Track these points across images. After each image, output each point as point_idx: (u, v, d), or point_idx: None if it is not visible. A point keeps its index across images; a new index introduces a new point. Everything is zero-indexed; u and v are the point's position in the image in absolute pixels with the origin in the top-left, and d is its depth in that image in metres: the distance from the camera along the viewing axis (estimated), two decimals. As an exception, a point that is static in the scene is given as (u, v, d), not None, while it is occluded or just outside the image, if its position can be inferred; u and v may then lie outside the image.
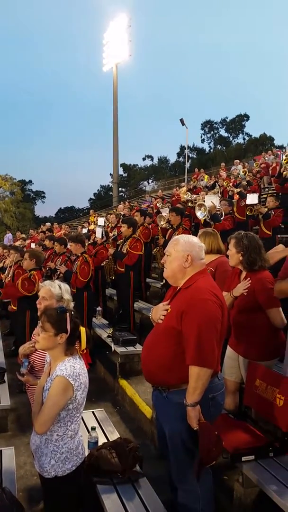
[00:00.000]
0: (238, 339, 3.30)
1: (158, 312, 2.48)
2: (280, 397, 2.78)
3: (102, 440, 3.07)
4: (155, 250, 8.03)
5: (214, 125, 59.58)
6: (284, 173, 8.84)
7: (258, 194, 9.54)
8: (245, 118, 58.00)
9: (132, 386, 4.85)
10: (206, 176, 18.89)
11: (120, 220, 9.25)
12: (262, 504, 2.64)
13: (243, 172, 14.99)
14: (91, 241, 8.18)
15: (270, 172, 15.01)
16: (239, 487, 2.75)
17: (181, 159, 55.44)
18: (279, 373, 3.05)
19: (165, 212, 9.18)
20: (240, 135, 58.20)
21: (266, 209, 7.97)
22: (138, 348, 5.15)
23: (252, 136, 54.70)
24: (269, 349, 3.19)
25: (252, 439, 2.79)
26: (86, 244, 6.72)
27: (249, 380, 3.12)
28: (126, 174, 59.38)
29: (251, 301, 3.16)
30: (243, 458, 2.65)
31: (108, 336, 5.70)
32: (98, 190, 62.20)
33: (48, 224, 19.47)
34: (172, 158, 60.34)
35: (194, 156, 56.76)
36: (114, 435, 3.20)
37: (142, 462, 2.86)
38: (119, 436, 3.19)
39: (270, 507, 2.43)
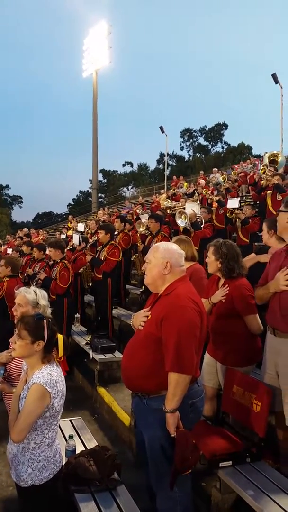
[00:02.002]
0: (216, 346, 3.34)
1: (139, 318, 2.49)
2: (257, 402, 2.82)
3: (79, 448, 3.05)
4: (134, 256, 8.04)
5: (193, 133, 60.40)
6: (262, 182, 9.01)
7: (239, 198, 9.71)
8: (223, 127, 59.04)
9: (110, 394, 4.82)
10: (186, 184, 19.12)
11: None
12: (239, 509, 2.67)
13: (222, 178, 15.20)
14: (69, 247, 8.14)
15: (248, 181, 15.28)
16: (216, 492, 2.77)
17: (160, 166, 55.86)
18: (256, 379, 3.10)
19: (144, 218, 9.21)
20: (219, 144, 59.20)
21: (244, 215, 8.12)
22: (117, 355, 5.13)
23: (231, 145, 55.66)
24: (247, 355, 3.23)
25: (229, 445, 2.81)
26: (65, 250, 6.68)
27: (227, 386, 3.16)
28: (105, 180, 59.37)
29: (229, 308, 3.20)
30: (221, 464, 2.67)
31: (87, 343, 5.66)
32: (77, 195, 61.94)
33: (25, 229, 19.24)
34: (152, 165, 60.84)
35: (174, 164, 57.26)
36: (92, 443, 3.18)
37: (120, 470, 2.85)
38: (97, 444, 3.17)
39: (247, 512, 2.46)
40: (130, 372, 2.44)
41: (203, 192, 13.26)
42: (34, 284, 5.96)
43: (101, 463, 2.76)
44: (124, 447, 3.98)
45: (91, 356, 5.30)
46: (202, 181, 17.30)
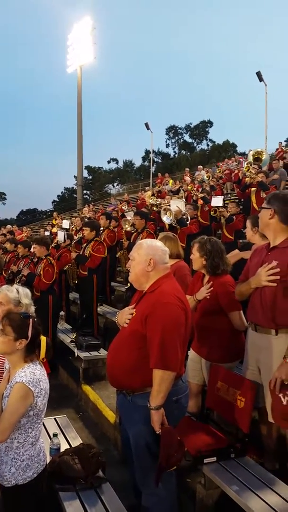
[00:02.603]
0: (201, 342, 3.35)
1: (124, 316, 2.49)
2: (241, 398, 2.83)
3: (64, 446, 3.03)
4: (119, 253, 8.03)
5: (179, 130, 60.47)
6: (246, 179, 9.07)
7: (223, 197, 9.77)
8: (208, 125, 59.23)
9: (95, 392, 4.81)
10: (171, 181, 19.15)
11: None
12: (223, 505, 2.68)
13: (207, 176, 15.26)
14: (53, 244, 8.07)
15: (233, 178, 15.37)
16: (201, 489, 2.79)
17: (146, 163, 55.74)
18: (240, 374, 3.12)
19: (129, 215, 9.21)
20: (204, 141, 59.39)
21: (228, 213, 8.17)
22: (102, 352, 5.12)
23: (216, 143, 55.88)
24: (231, 351, 3.26)
25: (214, 441, 2.83)
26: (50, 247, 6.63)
27: (211, 383, 3.17)
28: (91, 177, 59.01)
29: (213, 305, 3.22)
30: (205, 460, 2.68)
31: (72, 341, 5.63)
32: (62, 192, 61.48)
33: (9, 226, 18.99)
34: (137, 162, 60.65)
35: (159, 161, 57.28)
36: (76, 441, 3.16)
37: (105, 468, 2.84)
38: (81, 442, 3.15)
39: (231, 507, 2.47)
40: (115, 369, 2.44)
41: (189, 188, 13.31)
42: (18, 281, 5.90)
43: (85, 461, 2.74)
44: (109, 444, 3.97)
45: (76, 354, 5.28)
46: (187, 178, 17.34)
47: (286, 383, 2.55)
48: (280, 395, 2.54)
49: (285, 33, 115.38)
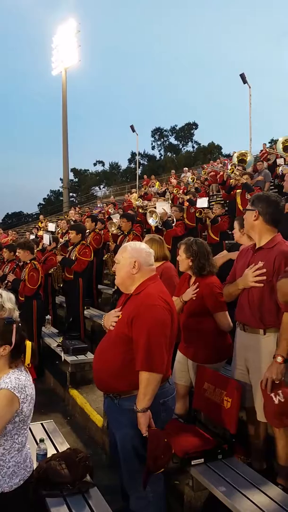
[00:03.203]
0: (187, 343, 3.36)
1: (110, 319, 2.48)
2: (227, 399, 2.85)
3: (51, 451, 2.99)
4: (106, 256, 8.01)
5: (164, 132, 60.61)
6: (231, 181, 9.14)
7: (207, 198, 9.84)
8: (194, 127, 59.50)
9: (83, 396, 4.78)
10: (157, 183, 19.16)
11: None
12: (211, 506, 2.68)
13: (191, 178, 15.34)
14: (40, 247, 8.01)
15: (218, 180, 15.48)
16: (189, 490, 2.79)
17: (132, 165, 55.79)
18: (227, 375, 3.13)
19: (115, 218, 9.19)
20: (190, 143, 59.63)
21: (213, 214, 8.22)
22: (89, 356, 5.09)
23: (201, 145, 56.20)
24: (217, 352, 3.27)
25: (201, 442, 2.83)
26: (35, 250, 6.58)
27: (198, 383, 3.18)
28: (77, 179, 58.79)
29: (199, 306, 3.23)
30: (193, 462, 2.68)
31: (58, 345, 5.58)
32: (48, 195, 61.03)
33: (-6, 230, 18.79)
34: (124, 164, 60.64)
35: (145, 163, 57.36)
36: (64, 446, 3.13)
37: (93, 472, 2.82)
38: (69, 446, 3.13)
39: (220, 509, 2.47)
40: (101, 373, 2.43)
41: (174, 191, 13.35)
42: (4, 286, 5.84)
43: (73, 466, 2.71)
44: (97, 448, 3.95)
45: (62, 358, 5.24)
46: (173, 180, 17.38)
47: (277, 382, 2.58)
48: (272, 394, 2.57)
49: (269, 35, 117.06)
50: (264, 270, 2.70)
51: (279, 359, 2.57)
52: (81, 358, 5.10)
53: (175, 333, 2.47)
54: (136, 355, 2.26)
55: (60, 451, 3.01)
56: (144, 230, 8.99)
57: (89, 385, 4.96)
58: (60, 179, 45.46)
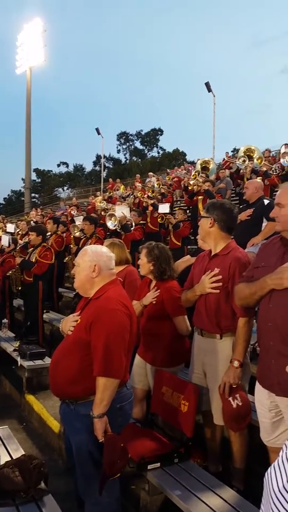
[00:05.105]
0: (146, 347, 3.37)
1: (68, 323, 2.44)
2: (185, 403, 2.87)
3: (5, 458, 2.90)
4: (67, 258, 7.92)
5: (130, 137, 60.85)
6: (194, 187, 9.29)
7: (170, 204, 9.96)
8: (159, 133, 60.06)
9: (40, 401, 4.68)
10: (122, 186, 19.16)
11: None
12: (167, 510, 2.69)
13: (157, 184, 15.44)
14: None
15: (182, 186, 15.68)
16: (145, 495, 2.78)
17: (97, 167, 55.55)
18: (184, 379, 3.17)
19: (78, 221, 9.11)
20: (155, 149, 60.14)
21: (175, 220, 8.33)
22: (47, 361, 4.98)
23: (166, 151, 56.79)
24: (175, 356, 3.30)
25: (158, 446, 2.84)
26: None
27: (156, 388, 3.19)
28: (39, 180, 57.83)
29: (159, 310, 3.26)
30: (149, 466, 2.69)
31: (15, 350, 5.43)
32: (8, 195, 59.49)
33: None
34: (88, 167, 60.26)
35: (111, 166, 57.30)
36: (18, 453, 3.04)
37: (48, 479, 2.76)
38: (23, 453, 3.04)
39: (175, 512, 2.49)
40: (58, 378, 2.38)
41: (139, 195, 13.40)
42: None
43: (26, 473, 2.64)
44: (53, 454, 3.88)
45: (19, 363, 5.11)
46: (138, 185, 17.44)
47: (235, 386, 2.63)
48: (230, 398, 2.62)
49: (237, 46, 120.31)
50: (220, 276, 2.76)
51: (236, 363, 2.63)
52: (38, 363, 4.99)
53: (134, 338, 2.46)
54: (94, 360, 2.23)
55: (14, 458, 2.93)
56: (108, 233, 8.97)
57: (46, 391, 4.85)
58: (22, 179, 44.64)
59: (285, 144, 11.77)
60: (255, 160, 9.13)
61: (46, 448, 4.03)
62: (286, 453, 1.35)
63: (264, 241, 2.81)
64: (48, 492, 2.63)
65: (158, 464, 2.72)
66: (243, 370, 2.73)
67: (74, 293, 6.88)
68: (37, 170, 56.15)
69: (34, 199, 46.06)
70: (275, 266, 2.12)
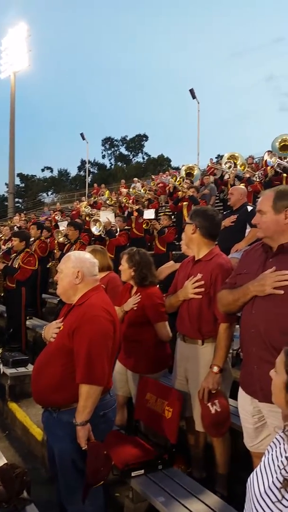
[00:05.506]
0: (127, 353, 3.37)
1: (51, 330, 2.42)
2: (169, 409, 2.87)
3: (-14, 468, 2.86)
4: (50, 264, 7.86)
5: (115, 142, 60.98)
6: (178, 193, 9.36)
7: (154, 209, 10.01)
8: (144, 138, 60.38)
9: (23, 409, 4.62)
10: (107, 192, 19.15)
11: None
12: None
13: (143, 190, 15.48)
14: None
15: (167, 191, 15.75)
16: (129, 502, 2.77)
17: (82, 173, 55.45)
18: (168, 385, 3.17)
19: (63, 226, 9.06)
20: (140, 154, 60.36)
21: (160, 226, 8.37)
22: (30, 368, 4.92)
23: (151, 156, 57.07)
24: (156, 362, 3.31)
25: (142, 453, 2.83)
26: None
27: (140, 394, 3.18)
28: (23, 185, 57.38)
29: (140, 316, 3.26)
30: (133, 474, 2.67)
31: (-3, 357, 5.37)
32: (-9, 199, 58.92)
33: None
34: (73, 172, 60.12)
35: (95, 171, 57.26)
36: (1, 461, 2.99)
37: (30, 487, 2.72)
38: (6, 462, 3.00)
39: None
40: (40, 386, 2.36)
41: (124, 200, 13.42)
42: None
43: (9, 482, 2.60)
44: (36, 462, 3.83)
45: (1, 371, 5.04)
46: (123, 190, 17.46)
47: (213, 392, 2.64)
48: (209, 404, 2.63)
49: (221, 54, 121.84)
50: (202, 282, 2.78)
51: (215, 369, 2.64)
52: (21, 370, 4.93)
53: (117, 344, 2.46)
54: (76, 367, 2.22)
55: (-5, 467, 2.89)
56: (92, 239, 8.94)
57: (29, 398, 4.78)
58: (6, 184, 44.14)
59: (268, 151, 11.94)
60: (238, 167, 9.25)
61: (29, 456, 3.97)
62: (268, 458, 1.37)
63: (247, 247, 2.84)
64: (30, 502, 2.59)
65: (142, 471, 2.70)
66: (224, 376, 2.74)
67: (58, 299, 6.84)
68: (21, 175, 55.73)
69: (18, 204, 45.67)
70: (257, 273, 2.15)
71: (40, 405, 2.48)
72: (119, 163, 58.98)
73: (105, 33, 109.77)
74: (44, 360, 2.40)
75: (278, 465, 1.28)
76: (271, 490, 1.24)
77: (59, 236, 8.21)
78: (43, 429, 3.83)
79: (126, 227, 9.31)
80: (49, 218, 14.25)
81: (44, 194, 54.30)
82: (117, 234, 7.89)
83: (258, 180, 9.32)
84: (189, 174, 11.41)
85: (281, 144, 9.48)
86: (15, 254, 6.21)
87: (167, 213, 11.24)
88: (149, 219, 8.67)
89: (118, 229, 8.12)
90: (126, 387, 3.40)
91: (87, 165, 33.16)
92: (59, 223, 10.20)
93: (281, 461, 1.28)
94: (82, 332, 2.23)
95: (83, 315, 2.28)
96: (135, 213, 9.67)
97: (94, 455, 2.19)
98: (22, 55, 34.51)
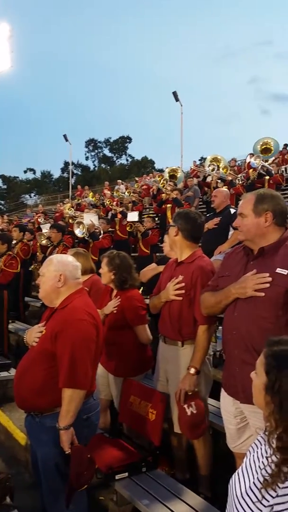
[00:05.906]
0: (108, 357, 3.37)
1: (33, 334, 2.40)
2: (152, 411, 2.88)
3: None
4: (33, 266, 7.80)
5: (98, 144, 60.87)
6: (162, 195, 9.39)
7: (138, 212, 10.03)
8: (127, 140, 60.41)
9: (6, 414, 4.56)
10: (91, 193, 19.10)
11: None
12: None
13: (128, 192, 15.49)
14: None
15: (151, 193, 15.78)
16: (113, 506, 2.76)
17: (65, 174, 55.11)
18: (151, 387, 3.17)
19: (45, 228, 9.00)
20: (124, 156, 60.39)
21: (144, 228, 8.38)
22: (12, 373, 4.86)
23: (135, 158, 57.16)
24: (136, 365, 3.32)
25: (125, 456, 2.83)
26: None
27: (124, 397, 3.18)
28: (5, 186, 56.76)
29: (120, 319, 3.27)
30: (117, 477, 2.67)
31: (-20, 361, 5.30)
32: (-28, 201, 58.10)
33: None
34: (56, 173, 59.69)
35: (79, 173, 57.01)
36: (-18, 468, 2.97)
37: (13, 493, 2.69)
38: (-12, 468, 2.97)
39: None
40: (22, 391, 2.34)
41: (108, 202, 13.40)
42: None
43: (-9, 489, 2.58)
44: (20, 468, 3.78)
45: (-17, 375, 4.97)
46: (107, 192, 17.44)
47: (190, 394, 2.65)
48: (185, 406, 2.63)
49: (206, 56, 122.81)
50: (183, 284, 2.79)
51: (192, 370, 2.66)
52: (3, 374, 4.88)
53: (100, 347, 2.45)
54: (59, 371, 2.21)
55: (-23, 474, 2.85)
56: (76, 241, 8.90)
57: (12, 403, 4.70)
58: (-13, 185, 43.67)
59: (250, 154, 12.10)
60: (221, 170, 9.34)
61: (12, 461, 3.93)
62: (249, 459, 1.39)
63: (229, 250, 2.87)
64: (14, 508, 2.56)
65: (126, 474, 2.70)
66: (203, 378, 2.76)
67: (41, 302, 6.77)
68: (3, 177, 55.21)
69: (0, 206, 45.16)
70: (239, 276, 2.18)
71: (23, 410, 2.46)
72: (102, 165, 58.89)
73: (89, 35, 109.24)
74: (26, 364, 2.38)
75: (259, 466, 1.30)
76: (251, 490, 1.26)
77: (42, 239, 8.14)
78: (26, 433, 3.82)
79: (110, 229, 9.29)
80: (31, 220, 14.14)
81: (27, 196, 53.83)
82: (100, 236, 7.87)
83: (240, 182, 9.42)
84: (172, 176, 11.46)
85: (263, 147, 9.65)
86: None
87: (151, 215, 11.27)
88: (133, 221, 8.68)
89: (101, 232, 8.11)
90: (108, 390, 3.40)
91: (70, 167, 32.97)
92: (42, 226, 10.11)
93: (262, 461, 1.30)
94: (64, 335, 2.22)
95: (65, 318, 2.27)
96: (119, 215, 9.67)
97: (77, 459, 2.19)
98: (4, 55, 34.16)
